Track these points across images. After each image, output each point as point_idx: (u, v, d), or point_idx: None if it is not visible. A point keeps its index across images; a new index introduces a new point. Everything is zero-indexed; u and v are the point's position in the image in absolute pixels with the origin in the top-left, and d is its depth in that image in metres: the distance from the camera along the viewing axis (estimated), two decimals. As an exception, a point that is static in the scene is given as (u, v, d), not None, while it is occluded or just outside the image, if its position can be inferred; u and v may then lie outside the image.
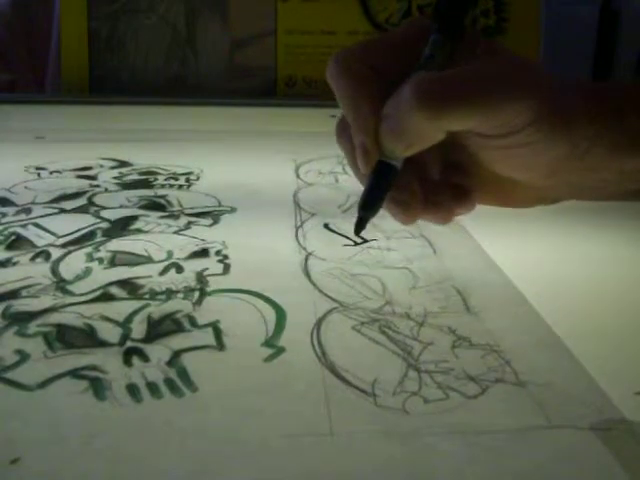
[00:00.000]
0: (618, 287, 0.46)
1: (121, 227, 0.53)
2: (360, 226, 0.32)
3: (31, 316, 0.39)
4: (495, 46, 0.32)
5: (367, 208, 0.31)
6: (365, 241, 0.51)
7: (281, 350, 0.37)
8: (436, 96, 0.28)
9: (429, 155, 0.32)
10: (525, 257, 0.50)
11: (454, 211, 0.33)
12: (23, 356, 0.35)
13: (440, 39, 0.30)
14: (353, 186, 0.65)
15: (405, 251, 0.50)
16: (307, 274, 0.45)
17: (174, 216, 0.56)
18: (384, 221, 0.54)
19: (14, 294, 0.42)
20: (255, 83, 1.08)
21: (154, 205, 0.58)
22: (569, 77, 0.30)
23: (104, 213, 0.56)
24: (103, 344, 0.37)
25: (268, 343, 0.37)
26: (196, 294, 0.42)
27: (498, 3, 1.06)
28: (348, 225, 0.54)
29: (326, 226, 0.55)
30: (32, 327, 0.38)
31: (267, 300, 0.42)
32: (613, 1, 1.08)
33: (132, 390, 0.33)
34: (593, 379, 0.35)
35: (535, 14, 1.06)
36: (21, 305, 0.41)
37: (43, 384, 0.33)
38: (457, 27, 0.31)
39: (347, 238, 0.52)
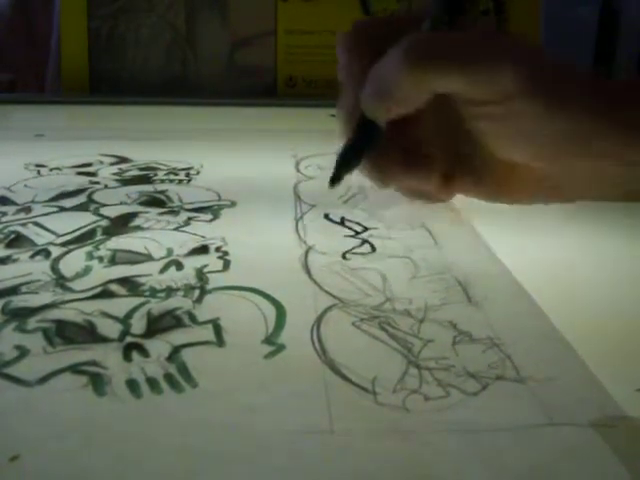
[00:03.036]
0: (620, 282, 0.46)
1: (121, 224, 0.53)
2: (336, 178, 0.32)
3: (31, 312, 0.39)
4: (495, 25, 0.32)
5: (344, 161, 0.31)
6: (366, 229, 0.51)
7: (281, 347, 0.37)
8: (423, 53, 0.28)
9: (428, 134, 0.32)
10: (526, 252, 0.50)
11: (432, 193, 0.33)
12: (23, 351, 0.35)
13: (439, 15, 0.30)
14: (354, 178, 0.65)
15: (406, 240, 0.50)
16: (307, 270, 0.45)
17: (174, 212, 0.55)
18: (385, 211, 0.55)
19: (14, 290, 0.42)
20: (255, 83, 1.07)
21: (154, 201, 0.58)
22: (575, 66, 0.30)
23: (104, 210, 0.56)
24: (103, 340, 0.37)
25: (268, 340, 0.37)
26: (196, 292, 0.42)
27: (498, 3, 1.06)
28: (349, 216, 0.54)
29: (327, 217, 0.55)
30: (32, 323, 0.38)
31: (267, 297, 0.42)
32: (613, 1, 1.09)
33: (132, 385, 0.33)
34: (594, 376, 0.35)
35: (535, 14, 1.06)
36: (21, 301, 0.40)
37: (43, 380, 0.33)
38: (458, 7, 0.30)
39: (348, 228, 0.52)
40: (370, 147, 0.31)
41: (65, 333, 0.37)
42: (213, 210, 0.56)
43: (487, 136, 0.31)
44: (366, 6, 1.06)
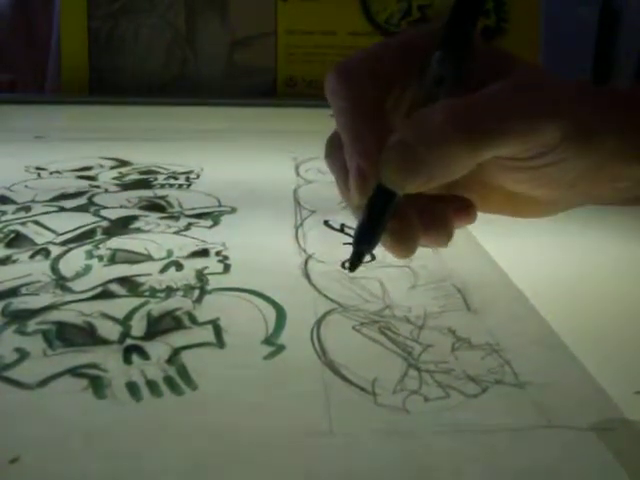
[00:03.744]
0: (618, 286, 0.46)
1: (121, 226, 0.53)
2: (356, 262, 0.29)
3: (31, 314, 0.39)
4: (502, 56, 0.30)
5: (364, 242, 0.29)
6: None
7: (281, 348, 0.37)
8: (477, 124, 0.26)
9: None
10: (525, 257, 0.50)
11: (455, 228, 0.30)
12: (22, 354, 0.35)
13: (450, 59, 0.28)
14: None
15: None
16: (307, 276, 0.45)
17: (174, 217, 0.55)
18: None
19: (14, 292, 0.42)
20: (255, 83, 1.07)
21: (154, 206, 0.58)
22: (589, 83, 0.29)
23: (104, 212, 0.56)
24: (103, 342, 0.37)
25: (268, 341, 0.37)
26: (196, 292, 0.42)
27: (498, 3, 1.06)
28: (348, 222, 0.54)
29: (326, 223, 0.55)
30: (32, 325, 0.38)
31: (267, 299, 0.42)
32: (613, 1, 1.08)
33: (132, 388, 0.33)
34: (593, 378, 0.35)
35: (535, 14, 1.06)
36: (21, 303, 0.40)
37: (43, 382, 0.33)
38: (468, 46, 0.28)
39: (347, 235, 0.52)
40: (389, 219, 0.28)
41: (65, 335, 0.37)
42: (213, 216, 0.56)
43: (513, 183, 0.30)
44: (366, 6, 1.06)
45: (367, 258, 0.29)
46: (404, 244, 0.29)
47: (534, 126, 0.26)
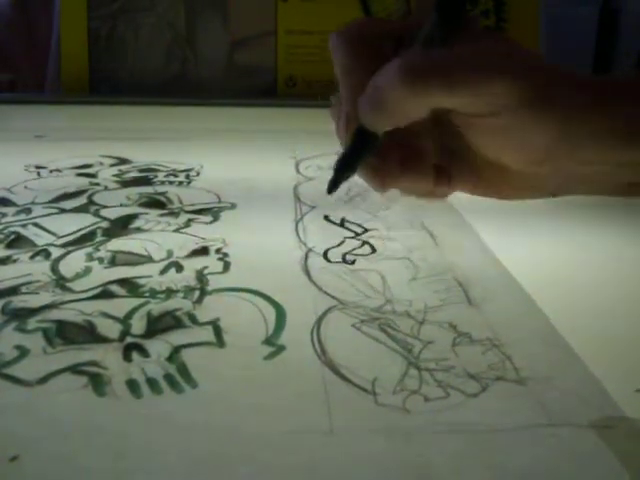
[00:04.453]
0: (619, 284, 0.46)
1: (121, 226, 0.53)
2: (333, 185, 0.32)
3: (31, 312, 0.39)
4: (494, 35, 0.32)
5: (341, 169, 0.32)
6: (366, 231, 0.52)
7: (281, 348, 0.37)
8: (419, 72, 0.28)
9: (424, 132, 0.33)
10: (527, 254, 0.50)
11: (431, 190, 0.33)
12: (23, 352, 0.35)
13: (439, 21, 0.30)
14: (354, 180, 0.65)
15: (406, 241, 0.50)
16: (307, 272, 0.45)
17: (174, 214, 0.55)
18: (386, 212, 0.55)
19: (14, 290, 0.42)
20: (255, 83, 1.08)
21: (154, 202, 0.58)
22: (570, 69, 0.30)
23: (104, 212, 0.56)
24: (103, 340, 0.37)
25: (268, 341, 0.37)
26: (196, 293, 0.42)
27: (498, 3, 1.06)
28: (349, 217, 0.54)
29: (326, 218, 0.55)
30: (32, 323, 0.38)
31: (267, 299, 0.42)
32: (613, 1, 1.09)
33: (132, 386, 0.33)
34: (594, 376, 0.35)
35: (535, 14, 1.06)
36: (20, 301, 0.40)
37: (43, 380, 0.33)
38: (458, 12, 0.30)
39: (348, 230, 0.52)
40: (368, 154, 0.32)
41: (65, 333, 0.37)
42: (213, 212, 0.56)
43: (479, 145, 0.31)
44: (366, 6, 1.06)
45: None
46: (379, 176, 0.32)
47: (475, 83, 0.28)
